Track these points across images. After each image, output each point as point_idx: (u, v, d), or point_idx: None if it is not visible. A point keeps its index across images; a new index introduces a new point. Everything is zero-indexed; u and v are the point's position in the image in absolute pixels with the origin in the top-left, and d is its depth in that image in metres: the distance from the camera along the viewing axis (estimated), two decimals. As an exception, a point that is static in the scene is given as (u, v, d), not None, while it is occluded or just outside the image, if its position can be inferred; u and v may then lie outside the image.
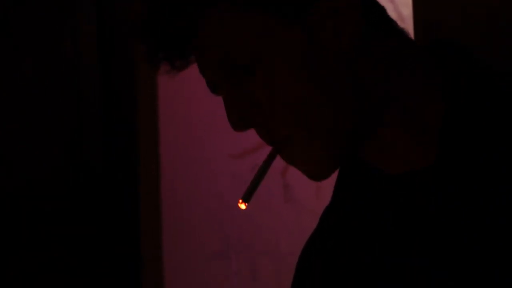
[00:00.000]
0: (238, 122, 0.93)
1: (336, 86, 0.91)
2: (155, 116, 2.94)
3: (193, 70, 3.04)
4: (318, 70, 0.91)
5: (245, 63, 0.92)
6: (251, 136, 3.19)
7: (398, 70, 0.93)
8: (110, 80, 2.96)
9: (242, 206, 0.94)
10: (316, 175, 0.93)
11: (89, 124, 2.94)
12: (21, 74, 2.88)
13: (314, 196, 3.24)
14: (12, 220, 2.87)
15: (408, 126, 0.91)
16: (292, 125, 0.90)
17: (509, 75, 0.94)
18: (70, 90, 2.93)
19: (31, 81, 2.89)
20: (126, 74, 2.93)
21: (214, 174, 3.04)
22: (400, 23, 1.00)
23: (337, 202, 1.04)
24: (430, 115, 0.92)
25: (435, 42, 0.98)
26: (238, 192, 3.38)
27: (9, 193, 2.87)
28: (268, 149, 3.39)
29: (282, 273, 3.11)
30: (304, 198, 3.20)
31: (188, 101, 2.99)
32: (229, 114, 0.93)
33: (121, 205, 2.96)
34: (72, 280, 2.91)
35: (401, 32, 0.97)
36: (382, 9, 0.95)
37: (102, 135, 2.96)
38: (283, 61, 0.90)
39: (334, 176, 3.42)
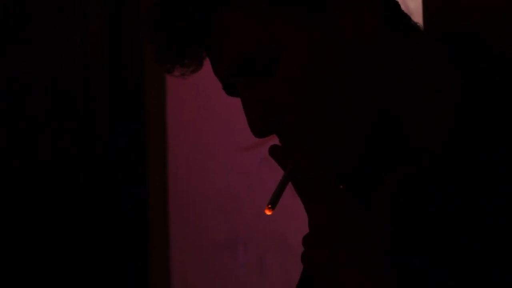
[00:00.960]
0: (259, 126, 0.92)
1: (355, 83, 0.90)
2: (163, 109, 2.95)
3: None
4: (337, 68, 0.90)
5: (263, 63, 0.91)
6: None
7: (412, 67, 0.92)
8: (118, 74, 2.96)
9: (268, 212, 0.94)
10: (356, 170, 0.93)
11: (97, 118, 2.95)
12: (28, 71, 2.89)
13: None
14: (15, 219, 2.88)
15: (420, 116, 0.91)
16: (315, 122, 0.90)
17: None
18: (78, 86, 2.94)
19: (38, 78, 2.90)
20: (134, 69, 2.93)
21: (222, 167, 3.04)
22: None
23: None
24: (442, 114, 0.91)
25: (449, 36, 0.97)
26: (246, 184, 3.40)
27: (11, 192, 2.88)
28: (274, 142, 3.38)
29: (290, 265, 3.12)
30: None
31: (196, 94, 2.99)
32: (250, 121, 0.92)
33: (129, 198, 2.97)
34: (80, 265, 2.92)
35: (416, 28, 0.96)
36: (397, 4, 0.95)
37: (109, 128, 2.97)
38: (302, 61, 0.90)
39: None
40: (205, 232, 3.04)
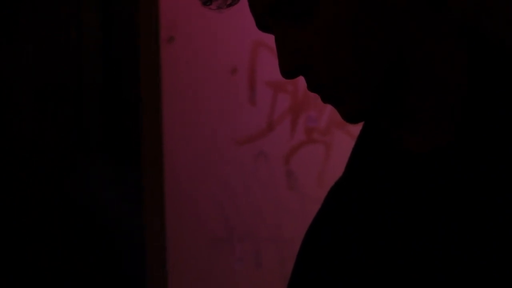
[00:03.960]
0: (289, 66, 0.92)
1: (383, 37, 0.90)
2: (159, 102, 2.95)
3: (198, 54, 3.03)
4: (372, 22, 0.90)
5: (301, 5, 0.90)
6: (256, 123, 3.20)
7: (432, 38, 0.91)
8: (113, 69, 2.96)
9: None
10: (354, 116, 0.93)
11: (91, 112, 2.95)
12: (22, 64, 2.89)
13: (316, 183, 3.25)
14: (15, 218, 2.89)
15: (432, 96, 0.91)
16: (344, 68, 0.90)
17: None
18: (72, 79, 2.94)
19: (32, 71, 2.90)
20: (130, 64, 2.93)
21: (218, 161, 3.05)
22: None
23: (351, 179, 1.03)
24: (454, 89, 0.92)
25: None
26: (242, 179, 3.41)
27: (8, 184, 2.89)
28: (270, 137, 3.40)
29: (286, 259, 3.13)
30: (307, 185, 3.21)
31: (192, 88, 3.00)
32: (280, 62, 0.92)
33: (125, 194, 2.97)
34: (77, 260, 2.93)
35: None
36: None
37: (104, 123, 2.97)
38: (340, 10, 0.89)
39: (338, 158, 3.41)
40: (202, 226, 3.05)
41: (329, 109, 3.28)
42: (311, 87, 0.93)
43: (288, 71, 0.92)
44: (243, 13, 3.40)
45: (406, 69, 0.92)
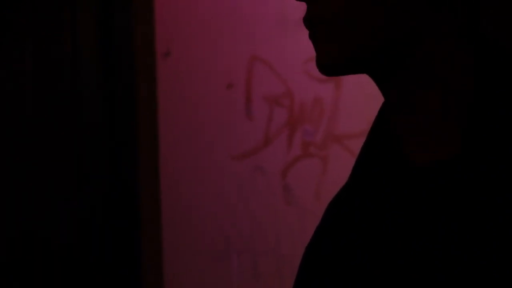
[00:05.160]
0: None
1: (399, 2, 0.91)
2: (155, 117, 2.96)
3: (194, 69, 3.04)
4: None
5: None
6: (252, 138, 3.22)
7: (432, 38, 0.91)
8: (110, 82, 2.97)
9: None
10: (329, 65, 0.93)
11: (89, 124, 2.96)
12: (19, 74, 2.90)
13: (313, 197, 3.26)
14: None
15: (433, 97, 0.91)
16: (343, 9, 0.90)
17: None
18: (69, 93, 2.94)
19: (30, 81, 2.91)
20: (127, 77, 2.94)
21: (215, 175, 3.05)
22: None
23: (354, 188, 1.02)
24: (456, 90, 0.91)
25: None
26: (240, 193, 3.41)
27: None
28: (267, 151, 3.40)
29: (283, 273, 3.13)
30: (304, 199, 3.21)
31: (189, 102, 3.00)
32: None
33: (122, 208, 2.97)
34: (72, 270, 2.93)
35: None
36: None
37: (101, 135, 2.97)
38: None
39: (335, 172, 3.41)
40: (199, 240, 3.05)
41: (325, 123, 3.28)
42: (308, 17, 0.93)
43: None
44: (239, 28, 3.43)
45: (405, 66, 0.92)
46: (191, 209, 3.03)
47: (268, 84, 3.14)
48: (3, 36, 2.87)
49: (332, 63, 0.92)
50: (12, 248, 2.89)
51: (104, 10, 2.95)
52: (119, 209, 2.99)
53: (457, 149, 0.88)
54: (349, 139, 3.36)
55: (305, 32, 0.93)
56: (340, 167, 3.29)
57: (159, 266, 3.00)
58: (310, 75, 3.19)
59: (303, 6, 0.94)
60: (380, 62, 0.91)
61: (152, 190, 2.98)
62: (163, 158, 2.99)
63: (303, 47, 3.09)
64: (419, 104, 0.92)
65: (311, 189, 3.25)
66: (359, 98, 3.27)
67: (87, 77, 2.96)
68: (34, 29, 2.93)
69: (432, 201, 0.88)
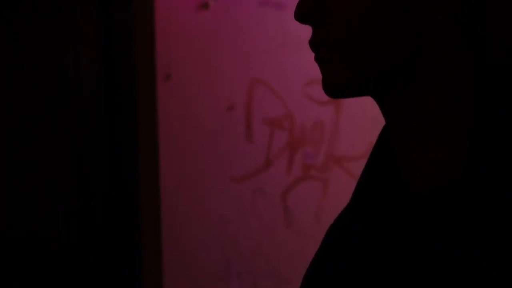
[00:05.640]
0: (303, 12, 0.92)
1: (400, 17, 0.90)
2: (156, 139, 2.96)
3: (195, 91, 3.04)
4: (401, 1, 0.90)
5: None
6: (253, 160, 3.21)
7: (432, 38, 0.91)
8: (111, 104, 2.98)
9: None
10: (335, 88, 0.93)
11: (91, 146, 2.96)
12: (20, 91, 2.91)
13: (314, 219, 3.26)
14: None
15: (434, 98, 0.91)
16: (346, 31, 0.90)
17: None
18: (71, 114, 2.95)
19: (31, 102, 2.91)
20: (127, 99, 2.95)
21: (215, 197, 3.05)
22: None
23: (354, 210, 1.02)
24: (457, 90, 0.91)
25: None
26: (240, 215, 3.41)
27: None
28: (267, 173, 3.40)
29: (283, 296, 3.12)
30: (305, 222, 3.21)
31: (189, 125, 3.01)
32: (300, 2, 0.93)
33: (122, 228, 2.97)
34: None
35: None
36: None
37: (102, 158, 2.98)
38: None
39: (336, 195, 3.41)
40: (199, 262, 3.04)
41: (326, 145, 3.29)
42: (314, 39, 0.93)
43: (303, 12, 0.93)
44: (239, 51, 3.44)
45: (407, 70, 0.92)
46: (192, 230, 3.03)
47: (269, 106, 3.15)
48: (3, 36, 2.88)
49: (339, 85, 0.92)
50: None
51: (106, 34, 2.96)
52: (120, 233, 2.99)
53: (456, 171, 0.88)
54: (349, 161, 3.37)
55: (306, 55, 0.94)
56: (340, 190, 3.30)
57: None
58: (310, 98, 3.20)
59: (304, 29, 0.95)
60: (385, 81, 0.92)
61: (153, 214, 2.98)
62: (163, 181, 2.99)
63: (303, 69, 3.11)
64: (419, 124, 0.92)
65: (311, 211, 3.26)
66: (360, 121, 3.28)
67: (89, 100, 2.96)
68: (35, 50, 2.94)
69: (432, 225, 0.88)
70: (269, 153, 3.15)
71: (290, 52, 3.13)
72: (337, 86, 0.92)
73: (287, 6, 3.17)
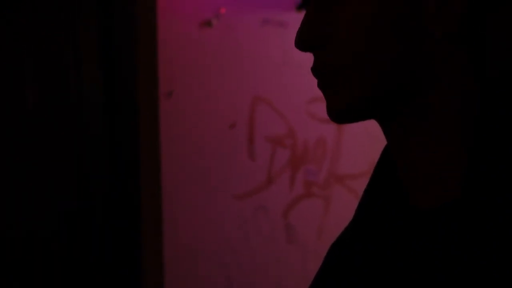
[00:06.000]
0: (304, 39, 0.92)
1: (401, 38, 0.90)
2: (158, 156, 2.96)
3: (197, 109, 3.04)
4: (398, 20, 0.90)
5: None
6: (255, 177, 3.21)
7: (454, 73, 0.91)
8: (113, 120, 2.98)
9: None
10: (340, 113, 0.93)
11: (93, 165, 2.97)
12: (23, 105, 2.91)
13: (315, 236, 3.26)
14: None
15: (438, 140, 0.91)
16: (349, 55, 0.90)
17: None
18: (73, 130, 2.96)
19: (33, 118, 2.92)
20: (129, 117, 2.95)
21: (217, 214, 3.06)
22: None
23: (356, 230, 1.02)
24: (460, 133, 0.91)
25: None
26: (242, 232, 3.41)
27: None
28: (269, 191, 3.39)
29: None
30: (307, 239, 3.21)
31: (191, 142, 3.01)
32: (300, 30, 0.93)
33: (123, 245, 2.97)
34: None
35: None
36: None
37: (105, 175, 2.98)
38: (373, 9, 0.90)
39: (337, 212, 3.40)
40: (202, 279, 3.04)
41: (328, 163, 3.29)
42: (316, 66, 0.93)
43: (305, 39, 0.93)
44: (242, 69, 3.45)
45: (410, 90, 0.92)
46: (193, 247, 3.03)
47: (271, 124, 3.16)
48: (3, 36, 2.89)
49: (345, 111, 0.92)
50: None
51: (108, 51, 2.97)
52: (121, 251, 2.98)
53: (457, 192, 0.88)
54: (351, 179, 3.38)
55: (308, 73, 0.95)
56: (342, 207, 3.30)
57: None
58: (312, 116, 3.21)
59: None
60: (389, 103, 0.92)
61: (155, 232, 2.98)
62: (165, 199, 2.99)
63: (305, 87, 3.13)
64: (420, 145, 0.92)
65: (313, 228, 3.26)
66: (362, 139, 3.29)
67: (92, 118, 2.97)
68: (39, 67, 2.95)
69: (433, 246, 0.89)
70: (271, 171, 3.15)
71: (292, 70, 3.15)
72: (343, 111, 0.92)
73: (289, 24, 3.19)
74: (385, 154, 1.01)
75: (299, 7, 3.18)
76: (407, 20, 0.89)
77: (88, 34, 2.92)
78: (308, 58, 0.96)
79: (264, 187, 3.14)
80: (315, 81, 0.92)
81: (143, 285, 2.95)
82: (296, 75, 3.15)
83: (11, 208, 2.85)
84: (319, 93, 0.94)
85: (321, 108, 1.03)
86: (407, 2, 0.88)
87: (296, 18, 3.08)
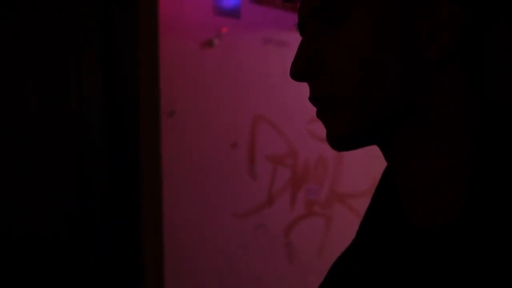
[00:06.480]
0: (299, 70, 0.93)
1: (397, 65, 0.90)
2: (159, 176, 2.97)
3: (198, 128, 3.04)
4: (392, 48, 0.90)
5: (334, 13, 0.92)
6: (256, 196, 3.21)
7: (450, 97, 0.91)
8: (115, 140, 2.99)
9: None
10: (340, 141, 0.93)
11: (94, 180, 2.97)
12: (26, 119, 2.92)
13: (316, 255, 3.26)
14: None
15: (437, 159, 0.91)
16: (345, 85, 0.90)
17: None
18: (75, 144, 2.96)
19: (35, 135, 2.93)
20: (131, 135, 2.96)
21: (218, 233, 3.05)
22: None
23: (358, 248, 1.03)
24: (460, 159, 0.91)
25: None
26: (243, 251, 3.39)
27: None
28: (270, 209, 3.38)
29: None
30: (307, 258, 3.21)
31: (193, 161, 3.02)
32: (295, 61, 0.93)
33: (125, 260, 2.97)
34: None
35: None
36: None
37: (106, 193, 2.98)
38: (365, 35, 0.90)
39: (338, 231, 3.40)
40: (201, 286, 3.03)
41: (329, 182, 3.30)
42: (313, 95, 0.94)
43: (300, 69, 0.93)
44: (243, 88, 3.44)
45: (407, 115, 0.92)
46: (194, 266, 3.03)
47: (272, 143, 3.16)
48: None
49: (345, 139, 0.93)
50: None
51: (111, 71, 2.98)
52: (122, 264, 2.98)
53: (457, 213, 0.88)
54: (352, 198, 3.38)
55: (308, 93, 0.95)
56: (343, 226, 3.30)
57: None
58: (313, 135, 3.21)
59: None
60: (387, 129, 0.92)
61: (156, 249, 2.98)
62: (166, 216, 2.99)
63: (306, 107, 3.12)
64: (420, 168, 0.93)
65: (314, 247, 3.25)
66: (362, 158, 3.29)
67: (94, 140, 2.98)
68: (39, 84, 2.95)
69: (433, 257, 0.89)
70: (272, 190, 3.16)
71: (293, 89, 3.15)
72: (343, 140, 0.93)
73: (290, 44, 3.20)
74: (386, 174, 1.02)
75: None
76: (401, 48, 0.89)
77: (90, 53, 2.93)
78: (310, 77, 0.96)
79: (265, 206, 3.14)
80: (316, 100, 0.93)
81: (143, 285, 2.95)
82: (297, 94, 3.16)
83: (10, 208, 2.85)
84: (319, 112, 0.94)
85: (321, 127, 1.03)
86: (400, 30, 0.89)
87: (296, 38, 3.10)
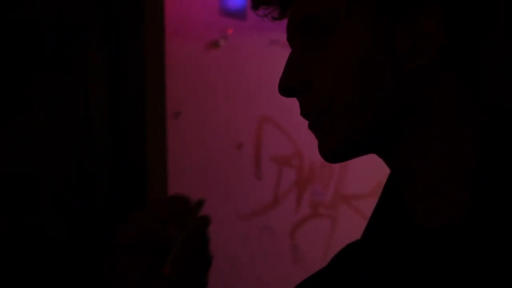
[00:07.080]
0: (287, 86, 0.93)
1: (388, 83, 0.90)
2: (165, 177, 2.97)
3: (204, 129, 3.04)
4: (381, 75, 0.90)
5: (321, 27, 0.91)
6: (261, 197, 3.21)
7: (445, 101, 0.91)
8: (120, 141, 2.99)
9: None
10: (331, 154, 0.93)
11: (99, 183, 2.97)
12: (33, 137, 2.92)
13: (322, 257, 3.25)
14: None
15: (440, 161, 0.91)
16: (335, 98, 0.90)
17: None
18: (81, 151, 2.96)
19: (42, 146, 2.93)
20: (137, 136, 2.96)
21: (223, 234, 3.06)
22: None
23: (364, 246, 1.03)
24: (463, 160, 0.91)
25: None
26: (247, 253, 3.39)
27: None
28: (275, 211, 3.38)
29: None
30: (313, 259, 3.21)
31: (198, 162, 3.02)
32: (282, 77, 0.93)
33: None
34: None
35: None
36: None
37: (110, 193, 2.98)
38: (348, 40, 0.90)
39: (344, 232, 3.40)
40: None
41: (334, 183, 3.29)
42: (303, 109, 0.94)
43: (288, 85, 0.94)
44: (248, 89, 3.44)
45: (404, 136, 0.92)
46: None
47: (278, 144, 3.17)
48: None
49: (336, 151, 0.93)
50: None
51: (117, 72, 2.98)
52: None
53: (457, 213, 0.88)
54: (358, 199, 3.38)
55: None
56: (348, 227, 3.30)
57: None
58: (319, 136, 3.21)
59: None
60: (380, 140, 0.92)
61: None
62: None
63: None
64: (422, 171, 0.93)
65: (320, 249, 3.25)
66: (368, 159, 3.28)
67: (99, 139, 2.97)
68: (45, 87, 2.95)
69: (433, 257, 0.89)
70: (277, 191, 3.16)
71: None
72: (334, 152, 0.93)
73: (296, 45, 3.20)
74: (392, 177, 1.02)
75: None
76: (388, 58, 0.89)
77: (96, 54, 2.93)
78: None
79: (271, 207, 3.14)
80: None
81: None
82: (302, 95, 3.16)
83: (10, 208, 2.85)
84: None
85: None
86: (386, 42, 0.88)
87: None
